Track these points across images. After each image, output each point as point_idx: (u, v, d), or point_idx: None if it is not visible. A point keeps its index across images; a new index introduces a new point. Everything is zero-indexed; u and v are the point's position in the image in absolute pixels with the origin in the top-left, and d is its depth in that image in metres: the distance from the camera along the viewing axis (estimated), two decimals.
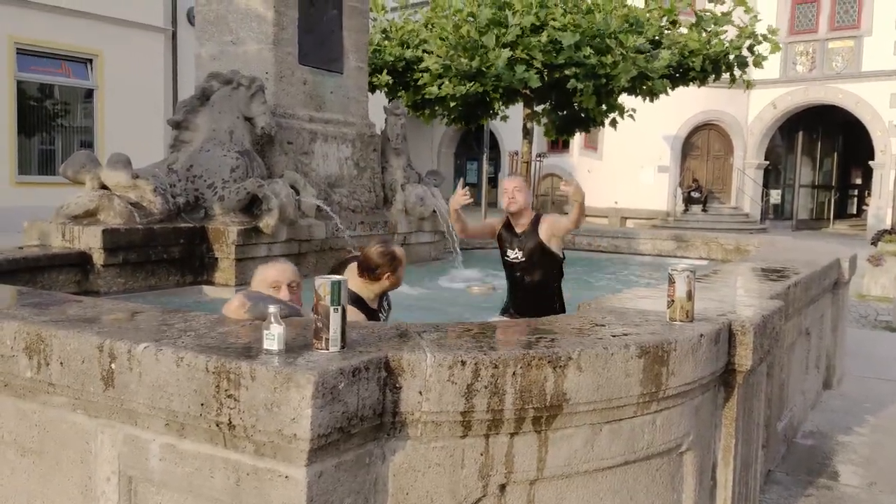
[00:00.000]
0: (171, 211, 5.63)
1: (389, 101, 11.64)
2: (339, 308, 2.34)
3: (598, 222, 23.83)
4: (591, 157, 26.49)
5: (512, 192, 4.70)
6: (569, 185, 4.40)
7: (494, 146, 27.65)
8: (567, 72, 11.52)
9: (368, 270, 3.69)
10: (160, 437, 2.31)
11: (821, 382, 5.74)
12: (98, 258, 5.12)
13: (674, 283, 2.96)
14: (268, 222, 5.77)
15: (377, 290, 3.77)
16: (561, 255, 4.79)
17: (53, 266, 4.94)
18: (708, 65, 13.46)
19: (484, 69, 11.16)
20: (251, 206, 5.92)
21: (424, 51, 12.20)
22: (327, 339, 2.28)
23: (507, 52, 11.00)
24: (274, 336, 2.26)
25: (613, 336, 2.65)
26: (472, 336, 2.60)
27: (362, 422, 2.17)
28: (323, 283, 2.34)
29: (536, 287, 4.74)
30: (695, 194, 25.14)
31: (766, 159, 25.98)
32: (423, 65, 11.89)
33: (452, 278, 7.32)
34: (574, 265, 9.05)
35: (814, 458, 4.58)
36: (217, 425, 2.15)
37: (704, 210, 24.98)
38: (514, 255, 4.75)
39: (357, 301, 3.55)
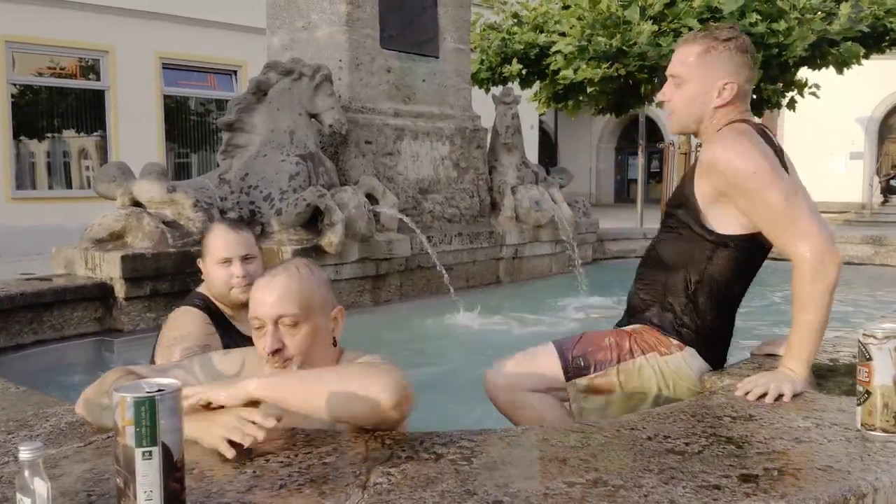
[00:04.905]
0: None
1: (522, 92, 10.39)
2: (154, 451, 1.22)
3: None
4: None
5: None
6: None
7: (658, 138, 25.50)
8: None
9: None
10: None
11: None
12: (119, 290, 4.21)
13: (870, 358, 1.63)
14: (330, 239, 4.73)
15: None
16: (733, 235, 2.23)
17: (65, 301, 4.13)
18: None
19: (625, 48, 9.62)
20: (315, 220, 4.92)
21: (560, 33, 10.80)
22: None
23: (651, 26, 9.39)
24: None
25: (744, 475, 1.35)
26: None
27: None
28: (121, 398, 1.22)
29: (656, 267, 2.40)
30: (895, 183, 21.86)
31: None
32: (554, 48, 10.49)
33: (579, 306, 5.76)
34: None
35: None
36: None
37: None
38: None
39: None
